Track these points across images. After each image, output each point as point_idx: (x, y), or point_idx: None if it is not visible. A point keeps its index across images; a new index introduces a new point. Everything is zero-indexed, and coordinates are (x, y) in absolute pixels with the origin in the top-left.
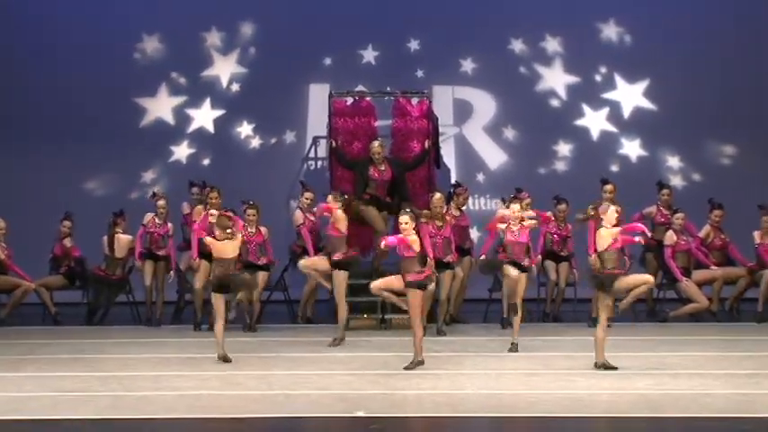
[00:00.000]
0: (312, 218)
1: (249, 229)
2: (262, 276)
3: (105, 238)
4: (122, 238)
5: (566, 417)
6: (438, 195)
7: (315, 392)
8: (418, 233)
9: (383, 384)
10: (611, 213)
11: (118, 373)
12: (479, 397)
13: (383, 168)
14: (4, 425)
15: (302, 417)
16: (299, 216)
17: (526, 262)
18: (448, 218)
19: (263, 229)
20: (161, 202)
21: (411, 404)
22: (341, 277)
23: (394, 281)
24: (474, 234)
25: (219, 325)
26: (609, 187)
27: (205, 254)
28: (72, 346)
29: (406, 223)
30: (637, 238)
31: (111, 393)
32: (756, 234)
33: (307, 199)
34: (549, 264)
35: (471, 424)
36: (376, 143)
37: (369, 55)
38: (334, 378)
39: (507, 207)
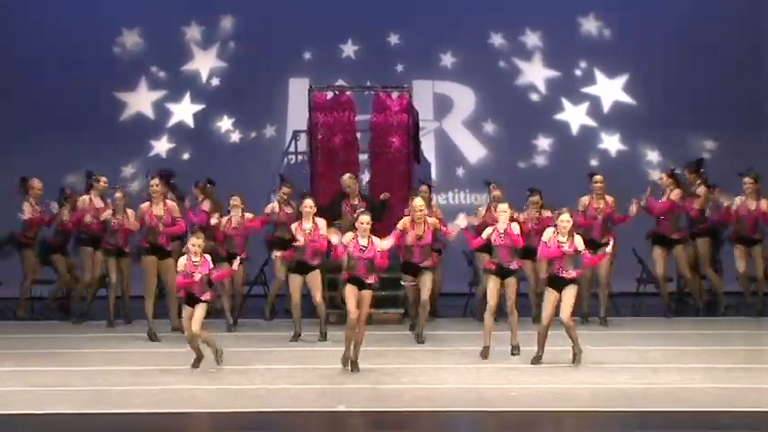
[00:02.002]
0: (289, 210)
1: (233, 221)
2: (241, 269)
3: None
4: None
5: (546, 411)
6: (418, 201)
7: (295, 387)
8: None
9: (363, 379)
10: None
11: (98, 367)
12: (459, 391)
13: (355, 203)
14: None
15: (283, 411)
16: (274, 207)
17: (513, 265)
18: (433, 217)
19: (248, 215)
20: (117, 195)
21: (391, 398)
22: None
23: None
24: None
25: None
26: (598, 177)
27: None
28: (52, 341)
29: (368, 223)
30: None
31: (92, 388)
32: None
33: (284, 194)
34: (526, 263)
35: (451, 418)
36: (346, 177)
37: (348, 49)
38: (314, 372)
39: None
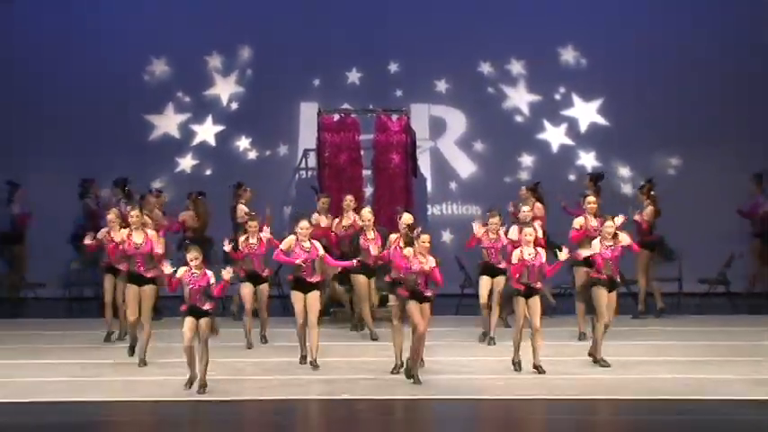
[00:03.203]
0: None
1: (251, 241)
2: (264, 288)
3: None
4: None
5: (531, 399)
6: (407, 217)
7: (306, 377)
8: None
9: (366, 370)
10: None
11: (129, 360)
12: (453, 381)
13: (372, 236)
14: (26, 406)
15: (295, 399)
16: (317, 217)
17: (538, 285)
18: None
19: (264, 236)
20: (110, 216)
21: (392, 388)
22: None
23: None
24: (447, 236)
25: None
26: (591, 199)
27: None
28: (86, 337)
29: (429, 242)
30: None
31: (123, 378)
32: None
33: (324, 203)
34: (484, 280)
35: (445, 405)
36: (367, 211)
37: (353, 76)
38: (324, 365)
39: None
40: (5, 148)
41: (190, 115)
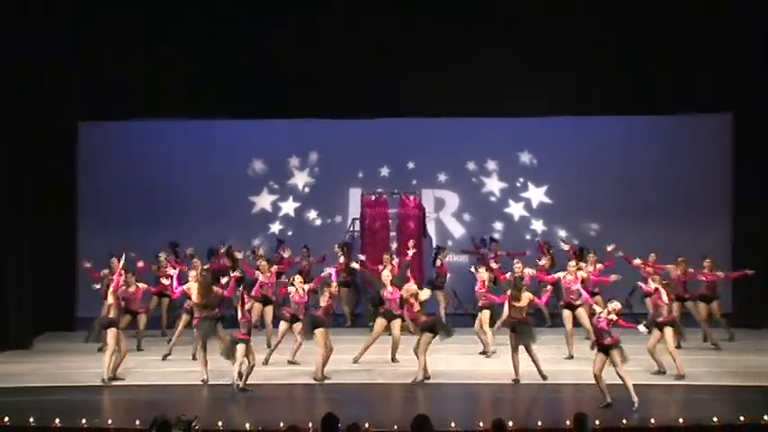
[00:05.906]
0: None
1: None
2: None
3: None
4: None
5: (492, 383)
6: (409, 286)
7: (357, 368)
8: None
9: (389, 364)
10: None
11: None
12: (453, 372)
13: (391, 290)
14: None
15: (345, 383)
16: (387, 272)
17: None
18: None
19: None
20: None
21: (411, 375)
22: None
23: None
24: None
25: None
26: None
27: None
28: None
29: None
30: None
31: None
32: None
33: (392, 259)
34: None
35: (447, 387)
36: (387, 272)
37: (384, 171)
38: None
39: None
40: (166, 225)
41: (278, 196)
